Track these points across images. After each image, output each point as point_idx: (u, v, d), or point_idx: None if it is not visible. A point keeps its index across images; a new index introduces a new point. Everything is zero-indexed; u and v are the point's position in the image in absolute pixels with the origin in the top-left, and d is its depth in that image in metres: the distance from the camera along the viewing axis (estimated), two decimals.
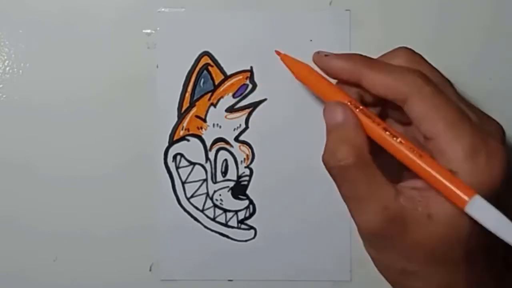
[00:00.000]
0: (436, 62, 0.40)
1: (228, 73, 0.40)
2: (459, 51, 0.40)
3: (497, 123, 0.31)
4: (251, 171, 0.40)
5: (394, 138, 0.29)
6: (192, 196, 0.40)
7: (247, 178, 0.40)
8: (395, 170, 0.31)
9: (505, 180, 0.28)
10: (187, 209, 0.40)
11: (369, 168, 0.29)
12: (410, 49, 0.32)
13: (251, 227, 0.40)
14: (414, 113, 0.29)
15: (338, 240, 0.40)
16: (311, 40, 0.40)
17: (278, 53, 0.37)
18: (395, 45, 0.40)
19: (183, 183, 0.40)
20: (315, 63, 0.34)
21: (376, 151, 0.30)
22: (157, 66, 0.40)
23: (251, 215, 0.40)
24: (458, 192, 0.27)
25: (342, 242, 0.40)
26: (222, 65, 0.40)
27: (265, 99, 0.40)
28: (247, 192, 0.40)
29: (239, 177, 0.40)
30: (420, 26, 0.40)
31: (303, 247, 0.40)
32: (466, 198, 0.26)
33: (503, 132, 0.31)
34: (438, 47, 0.40)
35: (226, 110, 0.40)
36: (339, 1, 0.40)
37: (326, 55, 0.33)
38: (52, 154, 0.40)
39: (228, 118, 0.40)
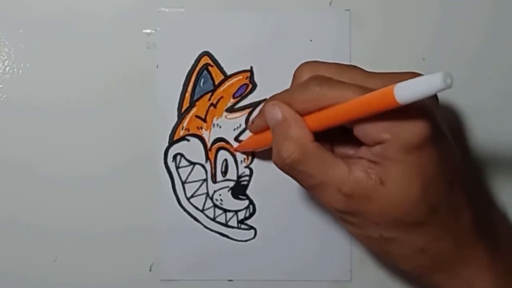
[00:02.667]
0: (436, 62, 0.40)
1: (228, 73, 0.40)
2: (459, 51, 0.40)
3: (412, 73, 0.31)
4: (251, 171, 0.40)
5: (323, 113, 0.30)
6: (192, 196, 0.40)
7: (247, 178, 0.40)
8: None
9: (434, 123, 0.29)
10: (187, 209, 0.40)
11: (316, 155, 0.30)
12: (306, 62, 0.33)
13: (251, 227, 0.40)
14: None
15: (338, 240, 0.40)
16: (311, 40, 0.40)
17: (235, 149, 0.40)
18: (395, 45, 0.40)
19: (183, 183, 0.40)
20: (252, 133, 0.38)
21: (324, 138, 0.31)
22: (157, 66, 0.40)
23: (251, 215, 0.40)
24: (382, 95, 0.27)
25: (342, 242, 0.40)
26: (222, 65, 0.40)
27: (265, 99, 0.40)
28: (247, 192, 0.40)
29: (239, 177, 0.40)
30: (420, 26, 0.40)
31: (303, 247, 0.40)
32: (391, 93, 0.27)
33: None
34: (438, 47, 0.40)
35: (226, 110, 0.40)
36: (339, 1, 0.40)
37: (252, 122, 0.37)
38: (52, 154, 0.40)
39: (228, 118, 0.40)
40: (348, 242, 0.40)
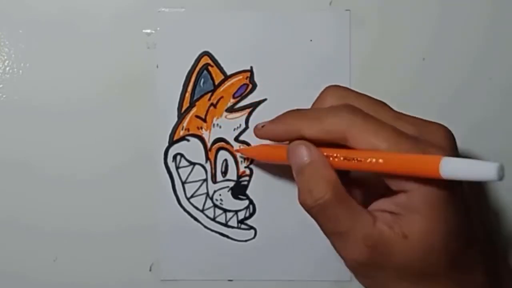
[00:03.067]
0: (436, 62, 0.40)
1: (228, 73, 0.40)
2: (459, 51, 0.40)
3: (442, 127, 0.31)
4: (251, 171, 0.40)
5: (356, 159, 0.30)
6: (192, 196, 0.40)
7: (247, 178, 0.40)
8: (364, 196, 0.32)
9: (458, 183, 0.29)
10: (187, 209, 0.40)
11: (346, 200, 0.30)
12: (335, 86, 0.33)
13: (251, 227, 0.40)
14: (357, 146, 0.29)
15: None
16: (311, 40, 0.40)
17: (237, 150, 0.39)
18: (395, 45, 0.40)
19: (183, 183, 0.40)
20: (258, 137, 0.35)
21: (343, 181, 0.31)
22: (157, 66, 0.40)
23: (251, 215, 0.40)
24: (427, 162, 0.27)
25: None
26: (222, 65, 0.40)
27: (265, 99, 0.40)
28: (247, 192, 0.40)
29: (239, 177, 0.40)
30: (420, 26, 0.40)
31: (303, 247, 0.40)
32: (435, 164, 0.26)
33: (449, 135, 0.31)
34: (438, 47, 0.40)
35: (226, 110, 0.40)
36: (339, 1, 0.40)
37: (262, 126, 0.34)
38: (52, 154, 0.40)
39: (228, 118, 0.40)
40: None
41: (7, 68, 0.40)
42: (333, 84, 0.33)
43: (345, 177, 0.31)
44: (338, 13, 0.40)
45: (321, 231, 0.40)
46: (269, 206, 0.40)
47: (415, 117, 0.31)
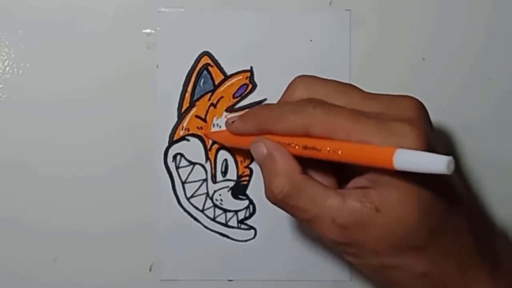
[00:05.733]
0: (436, 62, 0.40)
1: (228, 73, 0.40)
2: (459, 51, 0.40)
3: (410, 99, 0.31)
4: (251, 171, 0.40)
5: (315, 148, 0.30)
6: (192, 196, 0.40)
7: (247, 178, 0.40)
8: (339, 177, 0.32)
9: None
10: (187, 209, 0.40)
11: (307, 187, 0.30)
12: (304, 76, 0.33)
13: (251, 227, 0.40)
14: (319, 137, 0.30)
15: None
16: (311, 40, 0.40)
17: (204, 134, 0.40)
18: (395, 45, 0.40)
19: (183, 183, 0.40)
20: (229, 132, 0.35)
21: (312, 166, 0.31)
22: (157, 66, 0.40)
23: (251, 215, 0.40)
24: (380, 154, 0.27)
25: None
26: (222, 65, 0.40)
27: (265, 99, 0.40)
28: (247, 192, 0.40)
29: (239, 177, 0.40)
30: (420, 26, 0.40)
31: (303, 247, 0.40)
32: (389, 156, 0.26)
33: (418, 106, 0.30)
34: (438, 47, 0.40)
35: (226, 110, 0.40)
36: (339, 1, 0.40)
37: (233, 122, 0.34)
38: (52, 154, 0.40)
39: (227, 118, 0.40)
40: None
41: (7, 68, 0.40)
42: (301, 74, 0.33)
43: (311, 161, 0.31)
44: (338, 13, 0.40)
45: None
46: (269, 206, 0.40)
47: (383, 94, 0.31)
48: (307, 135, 0.30)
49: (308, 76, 0.33)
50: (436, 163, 0.25)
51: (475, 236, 0.31)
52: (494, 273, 0.31)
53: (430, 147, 0.28)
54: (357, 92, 0.31)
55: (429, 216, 0.29)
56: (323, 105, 0.30)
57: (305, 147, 0.30)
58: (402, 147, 0.26)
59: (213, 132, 0.40)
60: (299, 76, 0.33)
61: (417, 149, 0.27)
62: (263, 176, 0.32)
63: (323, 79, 0.32)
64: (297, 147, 0.30)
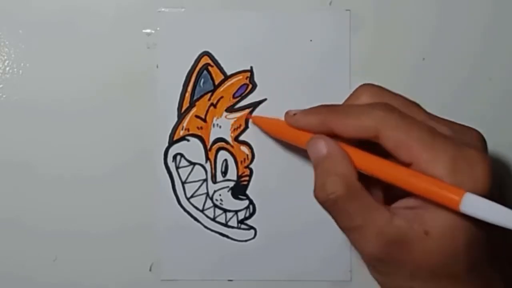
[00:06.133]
0: (436, 62, 0.40)
1: (228, 73, 0.40)
2: (459, 51, 0.40)
3: (475, 130, 0.31)
4: (251, 171, 0.40)
5: (379, 161, 0.30)
6: (192, 196, 0.40)
7: (247, 178, 0.40)
8: (387, 194, 0.32)
9: (492, 185, 0.28)
10: (187, 209, 0.40)
11: (360, 196, 0.30)
12: (370, 84, 0.33)
13: (251, 227, 0.40)
14: (388, 144, 0.29)
15: (338, 240, 0.40)
16: (311, 40, 0.40)
17: (249, 116, 0.39)
18: (395, 45, 0.40)
19: (183, 183, 0.40)
20: (288, 124, 0.35)
21: (364, 178, 0.31)
22: (157, 66, 0.40)
23: (251, 215, 0.40)
24: (449, 194, 0.27)
25: (342, 242, 0.40)
26: (222, 65, 0.40)
27: (265, 99, 0.40)
28: (247, 192, 0.40)
29: (239, 177, 0.40)
30: (420, 26, 0.40)
31: (303, 247, 0.40)
32: (457, 197, 0.26)
33: (482, 138, 0.31)
34: (438, 47, 0.40)
35: (226, 110, 0.40)
36: (339, 1, 0.40)
37: (294, 114, 0.34)
38: (52, 154, 0.40)
39: (228, 118, 0.40)
40: (348, 242, 0.40)
41: (7, 68, 0.40)
42: (368, 82, 0.33)
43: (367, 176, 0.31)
44: (338, 13, 0.40)
45: (320, 231, 0.40)
46: (269, 206, 0.40)
47: (448, 120, 0.31)
48: (375, 138, 0.29)
49: (374, 85, 0.32)
50: (507, 218, 0.25)
51: (505, 276, 0.31)
52: None
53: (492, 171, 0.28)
54: (424, 112, 0.31)
55: (475, 247, 0.29)
56: (400, 112, 0.29)
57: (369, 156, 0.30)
58: (475, 177, 0.27)
59: (261, 117, 0.39)
60: (365, 84, 0.32)
61: (486, 183, 0.27)
62: (316, 174, 0.31)
63: (390, 91, 0.32)
64: (361, 152, 0.30)
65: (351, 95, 0.33)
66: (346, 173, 0.30)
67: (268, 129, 0.39)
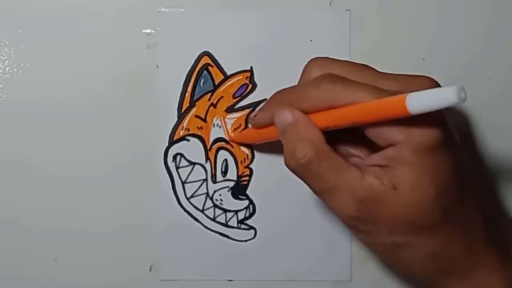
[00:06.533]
0: (436, 62, 0.40)
1: (228, 73, 0.40)
2: (459, 51, 0.40)
3: (425, 78, 0.31)
4: (251, 171, 0.40)
5: (332, 112, 0.30)
6: (192, 196, 0.40)
7: (247, 178, 0.40)
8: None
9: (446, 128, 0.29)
10: (187, 209, 0.40)
11: (329, 157, 0.30)
12: (317, 58, 0.33)
13: (251, 227, 0.40)
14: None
15: (338, 240, 0.40)
16: (311, 40, 0.40)
17: (231, 139, 0.40)
18: (395, 45, 0.40)
19: (183, 183, 0.40)
20: (254, 127, 0.37)
21: (332, 142, 0.31)
22: (157, 66, 0.40)
23: (251, 215, 0.40)
24: (394, 103, 0.27)
25: (342, 242, 0.40)
26: (222, 65, 0.40)
27: (265, 99, 0.40)
28: (247, 192, 0.40)
29: (239, 177, 0.40)
30: (420, 26, 0.40)
31: (303, 247, 0.40)
32: (401, 102, 0.26)
33: (435, 83, 0.31)
34: (438, 47, 0.40)
35: (226, 110, 0.40)
36: (339, 1, 0.40)
37: (255, 115, 0.35)
38: (52, 154, 0.40)
39: (228, 118, 0.40)
40: (348, 242, 0.40)
41: (7, 68, 0.40)
42: (317, 57, 0.33)
43: (334, 137, 0.32)
44: (338, 13, 0.40)
45: (320, 231, 0.40)
46: (269, 206, 0.40)
47: (398, 74, 0.31)
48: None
49: (321, 57, 0.33)
50: (447, 96, 0.25)
51: (485, 220, 0.31)
52: (503, 259, 0.32)
53: (447, 121, 0.29)
54: (373, 71, 0.32)
55: (445, 195, 0.29)
56: (344, 80, 0.30)
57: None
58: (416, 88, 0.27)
59: (237, 134, 0.40)
60: (312, 59, 0.33)
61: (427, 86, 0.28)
62: (285, 143, 0.32)
63: (337, 59, 0.33)
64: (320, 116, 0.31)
65: (303, 72, 0.33)
66: (314, 137, 0.30)
67: (249, 140, 0.39)
